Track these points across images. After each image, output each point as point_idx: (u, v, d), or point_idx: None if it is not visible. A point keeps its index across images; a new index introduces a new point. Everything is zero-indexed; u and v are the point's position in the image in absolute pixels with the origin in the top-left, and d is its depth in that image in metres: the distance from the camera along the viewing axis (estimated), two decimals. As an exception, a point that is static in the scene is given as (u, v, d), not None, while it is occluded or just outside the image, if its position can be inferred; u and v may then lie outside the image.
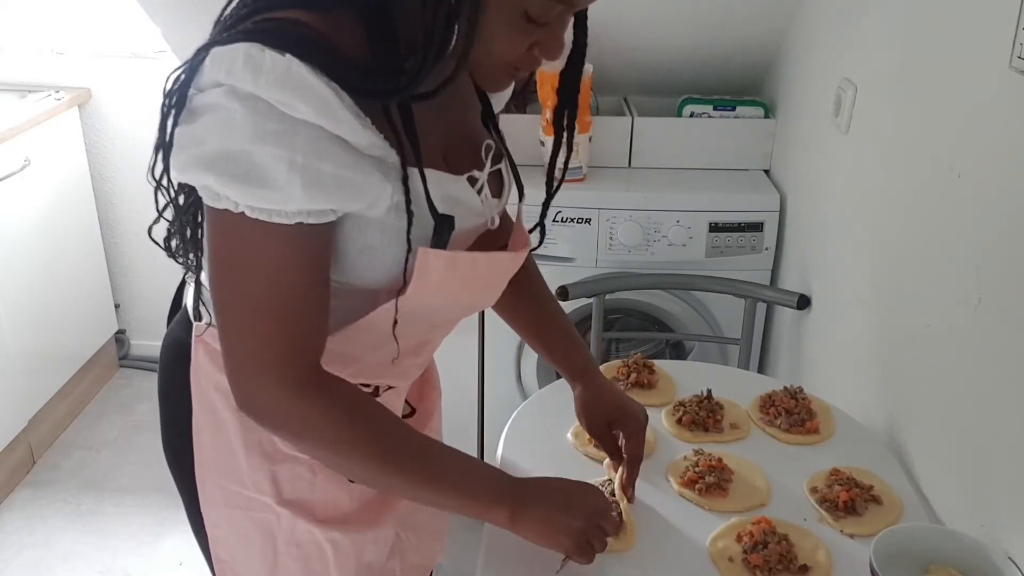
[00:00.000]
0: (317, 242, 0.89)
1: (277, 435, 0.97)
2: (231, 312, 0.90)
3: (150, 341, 3.17)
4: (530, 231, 1.13)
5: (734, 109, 2.28)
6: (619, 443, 1.24)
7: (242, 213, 0.84)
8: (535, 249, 1.14)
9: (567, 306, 2.10)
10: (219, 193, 0.84)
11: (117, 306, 3.15)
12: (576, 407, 1.27)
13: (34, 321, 2.65)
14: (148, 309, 3.17)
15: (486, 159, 1.03)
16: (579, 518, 1.01)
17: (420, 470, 0.97)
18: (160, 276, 2.91)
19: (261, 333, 0.89)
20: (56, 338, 2.78)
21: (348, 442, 0.93)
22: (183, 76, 0.86)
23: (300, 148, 0.82)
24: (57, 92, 2.77)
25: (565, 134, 1.06)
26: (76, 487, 2.61)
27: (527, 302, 1.27)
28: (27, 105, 2.66)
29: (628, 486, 1.19)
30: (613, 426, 1.24)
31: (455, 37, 0.83)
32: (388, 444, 0.95)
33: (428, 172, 0.91)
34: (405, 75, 0.85)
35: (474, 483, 1.00)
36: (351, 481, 1.06)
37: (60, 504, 2.54)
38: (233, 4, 0.90)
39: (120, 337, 3.20)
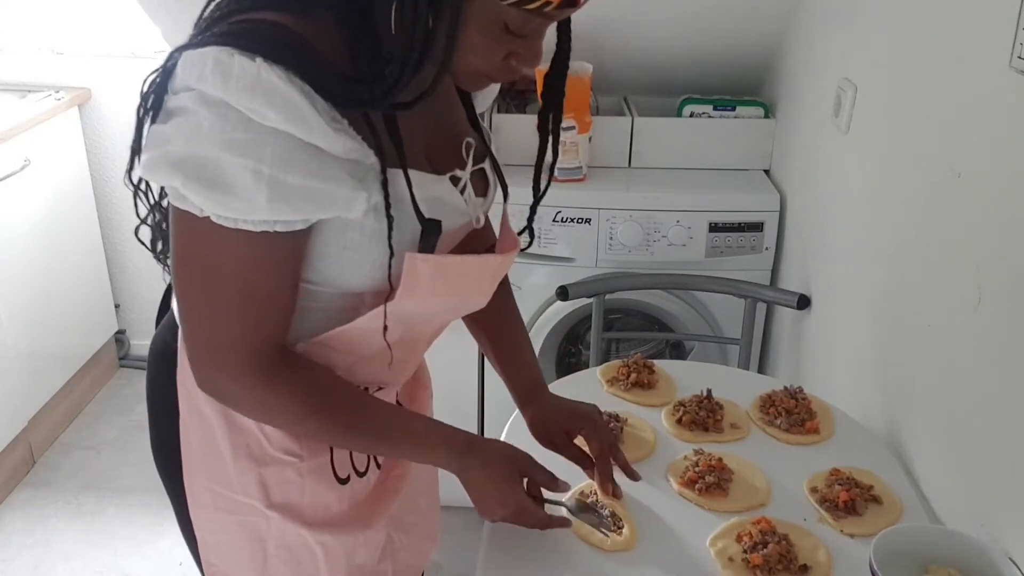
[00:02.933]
0: (284, 247, 0.88)
1: (237, 411, 1.00)
2: (192, 304, 0.91)
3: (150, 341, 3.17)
4: (519, 233, 1.11)
5: (734, 109, 2.28)
6: (584, 448, 1.21)
7: (207, 217, 0.84)
8: (525, 249, 1.13)
9: (567, 306, 2.11)
10: (185, 196, 0.83)
11: (117, 306, 3.14)
12: (532, 431, 1.24)
13: (34, 321, 2.65)
14: (148, 309, 3.15)
15: (468, 157, 1.02)
16: (518, 494, 1.06)
17: (377, 444, 1.05)
18: (160, 276, 2.89)
19: (221, 327, 0.90)
20: (56, 338, 2.78)
21: (304, 422, 0.98)
22: (157, 80, 0.86)
23: (267, 159, 0.81)
24: (57, 92, 2.77)
25: (551, 137, 1.05)
26: (76, 487, 2.61)
27: (488, 313, 1.19)
28: (27, 105, 2.66)
29: (607, 483, 1.18)
30: (571, 434, 1.22)
31: (434, 48, 0.82)
32: (345, 423, 0.99)
33: (411, 173, 0.90)
34: (384, 83, 0.84)
35: (428, 452, 1.05)
36: None
37: (60, 504, 2.54)
38: (211, 6, 0.89)
39: (120, 337, 3.20)
